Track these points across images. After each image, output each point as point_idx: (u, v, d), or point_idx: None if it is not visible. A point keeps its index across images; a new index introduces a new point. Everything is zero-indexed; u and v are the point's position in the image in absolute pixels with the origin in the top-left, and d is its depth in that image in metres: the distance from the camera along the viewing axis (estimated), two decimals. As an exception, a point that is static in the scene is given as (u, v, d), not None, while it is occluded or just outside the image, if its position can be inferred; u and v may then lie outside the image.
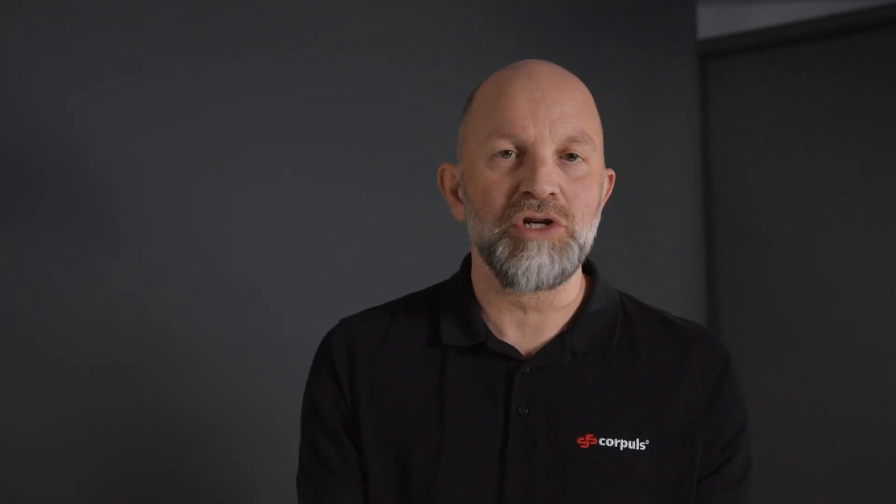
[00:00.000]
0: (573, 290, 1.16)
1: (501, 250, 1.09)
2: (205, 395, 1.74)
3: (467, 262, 1.22)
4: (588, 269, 1.20)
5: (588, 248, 1.13)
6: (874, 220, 2.49)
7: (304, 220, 1.88)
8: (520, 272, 1.08)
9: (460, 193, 1.17)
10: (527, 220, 1.08)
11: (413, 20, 2.09)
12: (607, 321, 1.17)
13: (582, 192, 1.10)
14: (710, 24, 2.76)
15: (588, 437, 1.12)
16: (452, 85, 1.95)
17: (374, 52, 2.00)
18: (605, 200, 1.19)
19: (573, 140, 1.09)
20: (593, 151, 1.11)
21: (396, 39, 2.05)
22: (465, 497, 1.11)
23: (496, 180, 1.09)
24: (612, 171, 1.20)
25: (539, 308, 1.14)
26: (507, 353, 1.14)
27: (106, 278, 1.62)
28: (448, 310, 1.18)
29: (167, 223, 1.69)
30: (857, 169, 2.53)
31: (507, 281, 1.10)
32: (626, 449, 1.11)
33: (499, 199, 1.09)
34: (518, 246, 1.08)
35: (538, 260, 1.08)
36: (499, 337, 1.15)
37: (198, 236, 1.73)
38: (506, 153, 1.09)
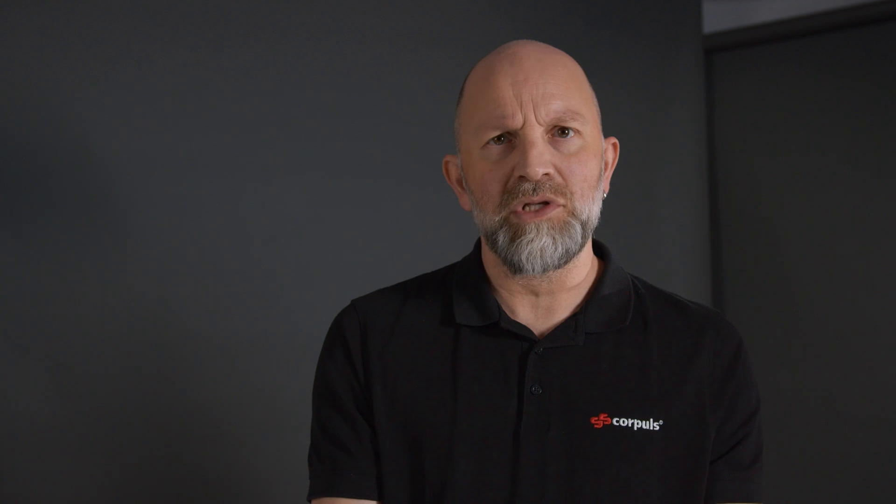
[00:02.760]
0: (583, 269, 1.16)
1: (503, 238, 1.10)
2: (215, 391, 1.74)
3: (479, 244, 1.21)
4: (600, 252, 1.21)
5: (594, 224, 1.13)
6: (882, 213, 2.49)
7: (315, 214, 1.88)
8: (523, 258, 1.09)
9: (464, 183, 1.17)
10: (525, 205, 1.08)
11: (422, 15, 2.09)
12: (620, 303, 1.17)
13: (578, 167, 1.09)
14: (716, 17, 2.75)
15: (602, 416, 1.12)
16: (462, 78, 1.95)
17: (386, 45, 2.00)
18: (612, 170, 1.18)
19: (561, 119, 1.09)
20: (585, 124, 1.10)
21: (412, 34, 2.05)
22: (478, 477, 1.11)
23: (490, 169, 1.10)
24: (614, 139, 1.19)
25: (551, 290, 1.14)
26: (521, 333, 1.14)
27: (115, 276, 1.63)
28: (461, 290, 1.18)
29: (177, 219, 1.70)
30: (864, 163, 2.52)
31: (514, 268, 1.10)
32: (640, 429, 1.12)
33: (495, 186, 1.09)
34: (517, 231, 1.08)
35: (539, 243, 1.08)
36: (512, 317, 1.15)
37: (208, 232, 1.73)
38: (498, 139, 1.09)
